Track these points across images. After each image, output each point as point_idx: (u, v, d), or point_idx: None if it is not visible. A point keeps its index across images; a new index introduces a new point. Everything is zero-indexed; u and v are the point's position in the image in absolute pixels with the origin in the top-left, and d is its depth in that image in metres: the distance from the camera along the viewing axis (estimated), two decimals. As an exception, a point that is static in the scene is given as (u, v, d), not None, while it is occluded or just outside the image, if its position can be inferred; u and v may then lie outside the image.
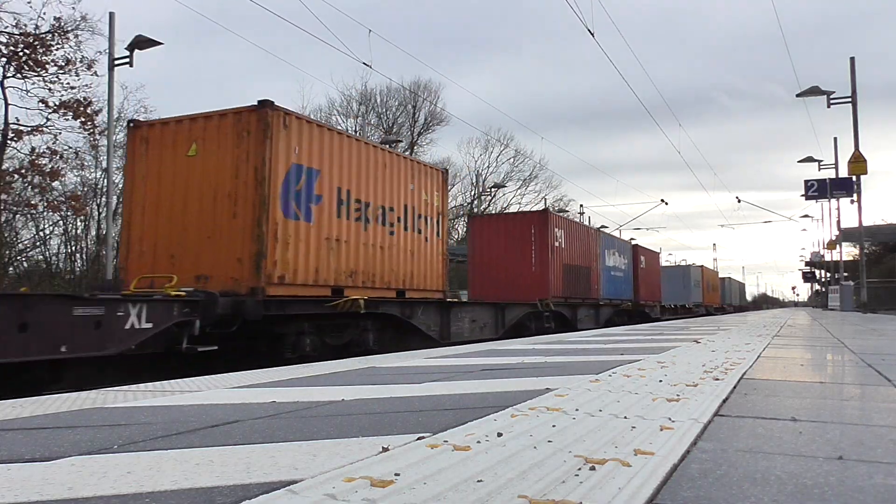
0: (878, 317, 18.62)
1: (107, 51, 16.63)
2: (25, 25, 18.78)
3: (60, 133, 19.30)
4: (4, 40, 18.75)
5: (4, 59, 18.94)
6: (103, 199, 20.81)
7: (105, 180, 19.30)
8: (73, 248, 21.84)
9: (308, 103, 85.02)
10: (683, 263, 47.87)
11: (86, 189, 21.97)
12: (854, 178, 22.02)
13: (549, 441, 1.98)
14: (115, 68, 16.48)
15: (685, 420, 2.33)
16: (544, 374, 3.99)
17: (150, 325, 7.11)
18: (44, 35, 18.96)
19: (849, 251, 40.46)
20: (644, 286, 27.04)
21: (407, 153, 46.87)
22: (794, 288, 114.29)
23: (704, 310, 41.77)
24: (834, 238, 34.73)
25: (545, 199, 50.57)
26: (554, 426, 2.22)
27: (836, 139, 29.39)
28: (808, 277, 59.21)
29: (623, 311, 24.24)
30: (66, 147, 19.59)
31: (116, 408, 2.79)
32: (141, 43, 16.35)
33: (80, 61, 19.23)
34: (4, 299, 6.11)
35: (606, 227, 53.76)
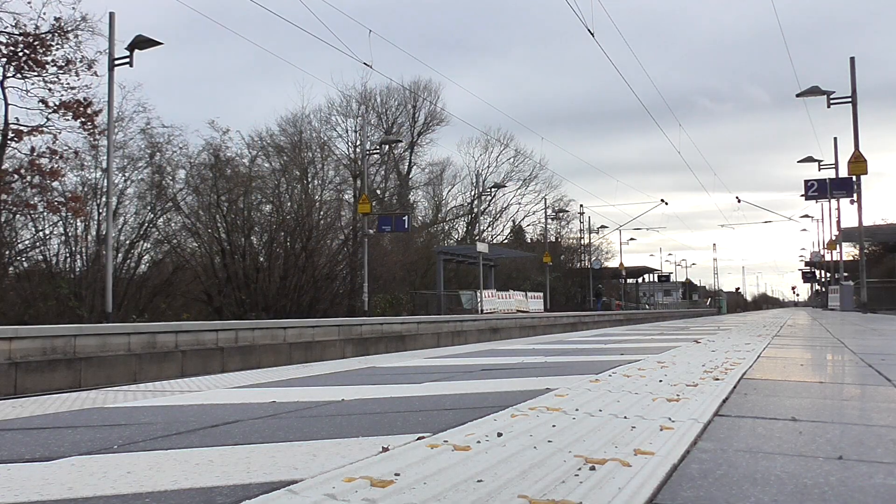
0: (878, 317, 18.61)
1: (107, 51, 16.64)
2: (25, 25, 18.77)
3: (60, 133, 19.29)
4: (4, 40, 18.73)
5: (4, 59, 18.91)
6: (103, 199, 20.78)
7: (105, 181, 19.27)
8: (73, 248, 21.79)
9: (308, 103, 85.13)
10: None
11: (86, 189, 21.96)
12: (854, 178, 22.01)
13: (549, 441, 1.98)
14: (115, 68, 16.48)
15: (685, 420, 2.33)
16: (544, 374, 3.99)
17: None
18: (44, 35, 18.93)
19: (849, 251, 40.49)
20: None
21: (406, 153, 46.87)
22: (794, 288, 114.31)
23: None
24: (834, 238, 34.74)
25: (545, 199, 50.54)
26: (554, 426, 2.22)
27: (836, 139, 29.40)
28: (808, 277, 59.22)
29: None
30: (65, 147, 19.58)
31: (116, 408, 2.79)
32: (141, 43, 16.35)
33: (80, 61, 19.21)
34: None
35: (606, 227, 53.91)
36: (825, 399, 3.02)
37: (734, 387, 3.29)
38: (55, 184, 19.90)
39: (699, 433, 2.13)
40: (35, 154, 19.17)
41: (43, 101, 19.02)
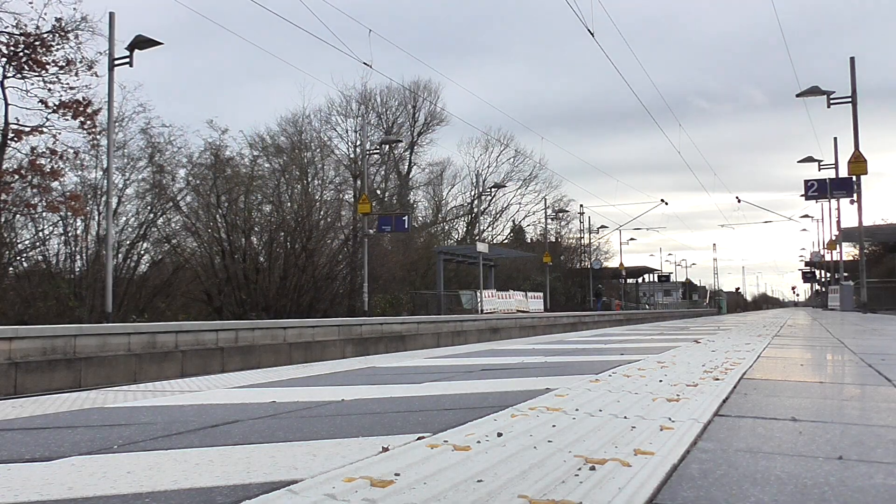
0: (878, 317, 18.60)
1: (107, 51, 16.64)
2: (25, 25, 18.77)
3: (60, 133, 19.29)
4: (4, 40, 18.73)
5: (4, 59, 18.91)
6: (103, 199, 20.78)
7: (105, 180, 19.26)
8: (73, 248, 21.78)
9: (308, 103, 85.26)
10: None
11: (86, 189, 21.95)
12: (854, 178, 22.00)
13: (549, 441, 1.98)
14: (115, 68, 16.48)
15: (685, 420, 2.33)
16: (544, 374, 3.99)
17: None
18: (44, 35, 18.93)
19: (849, 251, 40.50)
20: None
21: (406, 153, 46.85)
22: (793, 288, 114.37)
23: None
24: (834, 238, 34.74)
25: (545, 199, 50.53)
26: (554, 426, 2.22)
27: (836, 139, 29.35)
28: (808, 277, 59.24)
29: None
30: (65, 147, 19.58)
31: (116, 408, 2.79)
32: (141, 43, 16.34)
33: (81, 61, 19.21)
34: None
35: (606, 227, 53.92)
36: (825, 399, 3.02)
37: (734, 387, 3.29)
38: (55, 184, 19.89)
39: (699, 433, 2.13)
40: (35, 154, 19.17)
41: (43, 101, 19.02)
